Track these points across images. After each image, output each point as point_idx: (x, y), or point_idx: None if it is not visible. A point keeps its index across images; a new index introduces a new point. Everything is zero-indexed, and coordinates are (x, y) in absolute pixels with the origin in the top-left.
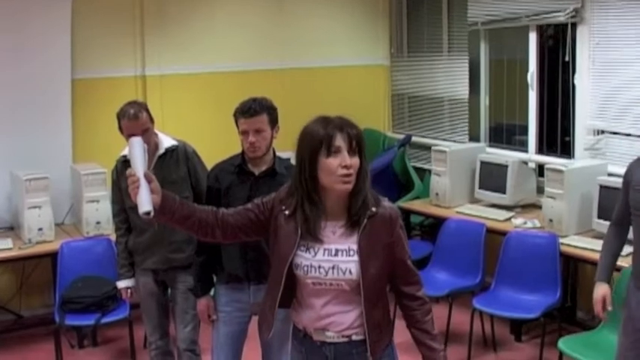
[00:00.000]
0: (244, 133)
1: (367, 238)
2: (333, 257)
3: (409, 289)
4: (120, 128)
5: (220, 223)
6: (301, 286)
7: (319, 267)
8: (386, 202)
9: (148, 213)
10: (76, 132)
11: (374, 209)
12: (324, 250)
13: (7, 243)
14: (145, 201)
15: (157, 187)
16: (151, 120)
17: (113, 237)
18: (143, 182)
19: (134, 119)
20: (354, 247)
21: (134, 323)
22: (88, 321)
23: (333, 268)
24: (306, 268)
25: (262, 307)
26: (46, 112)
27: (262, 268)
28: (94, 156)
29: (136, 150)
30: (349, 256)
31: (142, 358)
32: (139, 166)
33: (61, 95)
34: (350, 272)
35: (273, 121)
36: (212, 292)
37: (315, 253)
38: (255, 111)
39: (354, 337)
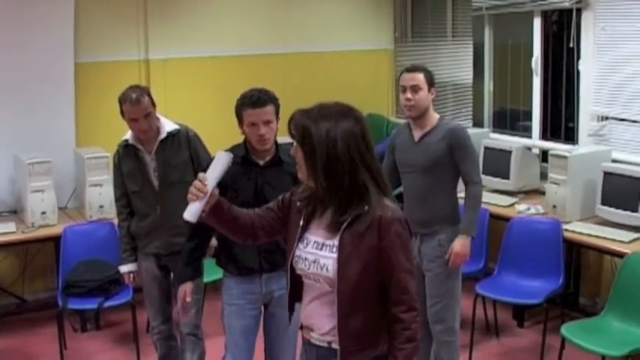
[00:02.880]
0: (253, 125)
1: (351, 237)
2: (318, 251)
3: (394, 309)
4: (122, 112)
5: (259, 224)
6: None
7: (305, 259)
8: (390, 205)
9: (188, 221)
10: (79, 116)
11: (366, 208)
12: (314, 242)
13: (10, 227)
14: (195, 212)
15: (215, 195)
16: (153, 104)
17: (116, 221)
18: (206, 196)
19: (136, 103)
20: (337, 243)
21: (137, 307)
22: (90, 305)
23: (314, 262)
24: (297, 259)
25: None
26: (50, 95)
27: (275, 257)
28: (97, 140)
29: (219, 164)
30: (331, 252)
31: (144, 341)
32: (214, 179)
33: (64, 79)
34: (327, 269)
35: (278, 112)
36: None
37: (307, 245)
38: (265, 101)
39: (333, 345)
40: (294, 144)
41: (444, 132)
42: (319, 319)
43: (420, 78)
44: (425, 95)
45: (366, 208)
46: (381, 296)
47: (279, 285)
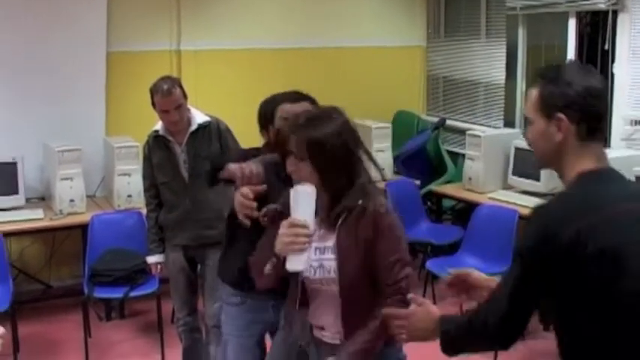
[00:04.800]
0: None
1: (346, 233)
2: (321, 255)
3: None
4: (153, 103)
5: None
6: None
7: (310, 266)
8: (378, 197)
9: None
10: (110, 105)
11: (360, 202)
12: (315, 248)
13: (38, 213)
14: (304, 260)
15: None
16: (185, 96)
17: (144, 211)
18: (310, 239)
19: (167, 95)
20: (335, 242)
21: (162, 298)
22: (116, 294)
23: (320, 266)
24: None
25: None
26: (81, 84)
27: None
28: (127, 129)
29: (304, 198)
30: (333, 253)
31: (169, 332)
32: (311, 220)
33: (95, 68)
34: (333, 271)
35: None
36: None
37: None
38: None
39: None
40: (290, 160)
41: None
42: (329, 317)
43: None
44: None
45: (360, 201)
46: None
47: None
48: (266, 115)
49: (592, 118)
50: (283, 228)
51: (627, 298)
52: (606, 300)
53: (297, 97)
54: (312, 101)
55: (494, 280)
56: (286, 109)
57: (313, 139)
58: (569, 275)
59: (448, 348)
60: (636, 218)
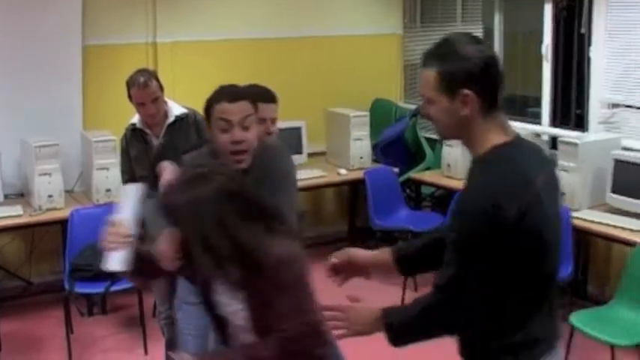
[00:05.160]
0: (262, 121)
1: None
2: None
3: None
4: (129, 96)
5: None
6: None
7: None
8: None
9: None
10: (87, 99)
11: None
12: None
13: (17, 210)
14: (121, 260)
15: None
16: (161, 88)
17: None
18: (130, 240)
19: (144, 87)
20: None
21: (143, 292)
22: (97, 289)
23: None
24: None
25: None
26: (57, 78)
27: None
28: (104, 123)
29: (130, 199)
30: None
31: (151, 326)
32: (131, 219)
33: (71, 62)
34: None
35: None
36: None
37: None
38: (274, 98)
39: None
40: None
41: None
42: None
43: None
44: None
45: None
46: None
47: None
48: (207, 111)
49: (494, 88)
50: (107, 226)
51: (547, 269)
52: (531, 272)
53: (235, 96)
54: (253, 100)
55: (386, 252)
56: (223, 109)
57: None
58: (507, 247)
59: (397, 339)
60: (549, 190)
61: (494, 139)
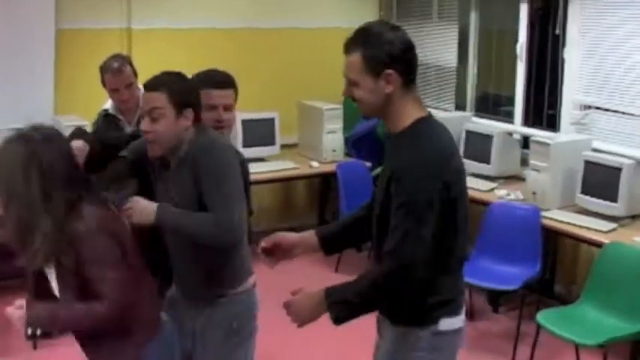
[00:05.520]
0: (213, 109)
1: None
2: None
3: None
4: (103, 82)
5: None
6: None
7: None
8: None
9: None
10: (59, 83)
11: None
12: None
13: None
14: None
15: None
16: (135, 74)
17: None
18: None
19: (118, 73)
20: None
21: None
22: None
23: None
24: None
25: None
26: (29, 62)
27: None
28: (76, 108)
29: None
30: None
31: None
32: None
33: (44, 46)
34: None
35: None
36: None
37: None
38: (229, 84)
39: None
40: None
41: None
42: None
43: (161, 99)
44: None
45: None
46: None
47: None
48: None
49: (413, 67)
50: None
51: (460, 242)
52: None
53: (148, 85)
54: (199, 86)
55: (311, 233)
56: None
57: None
58: (441, 214)
59: (342, 316)
60: (462, 167)
61: (414, 113)
